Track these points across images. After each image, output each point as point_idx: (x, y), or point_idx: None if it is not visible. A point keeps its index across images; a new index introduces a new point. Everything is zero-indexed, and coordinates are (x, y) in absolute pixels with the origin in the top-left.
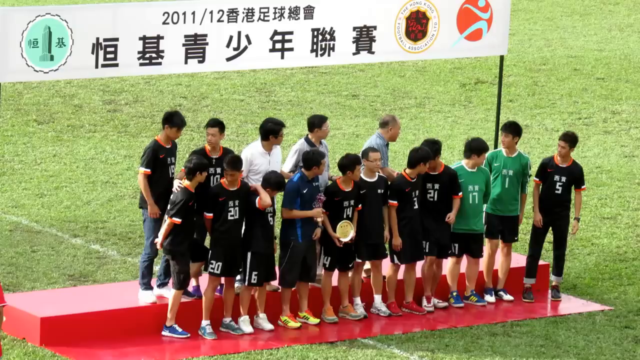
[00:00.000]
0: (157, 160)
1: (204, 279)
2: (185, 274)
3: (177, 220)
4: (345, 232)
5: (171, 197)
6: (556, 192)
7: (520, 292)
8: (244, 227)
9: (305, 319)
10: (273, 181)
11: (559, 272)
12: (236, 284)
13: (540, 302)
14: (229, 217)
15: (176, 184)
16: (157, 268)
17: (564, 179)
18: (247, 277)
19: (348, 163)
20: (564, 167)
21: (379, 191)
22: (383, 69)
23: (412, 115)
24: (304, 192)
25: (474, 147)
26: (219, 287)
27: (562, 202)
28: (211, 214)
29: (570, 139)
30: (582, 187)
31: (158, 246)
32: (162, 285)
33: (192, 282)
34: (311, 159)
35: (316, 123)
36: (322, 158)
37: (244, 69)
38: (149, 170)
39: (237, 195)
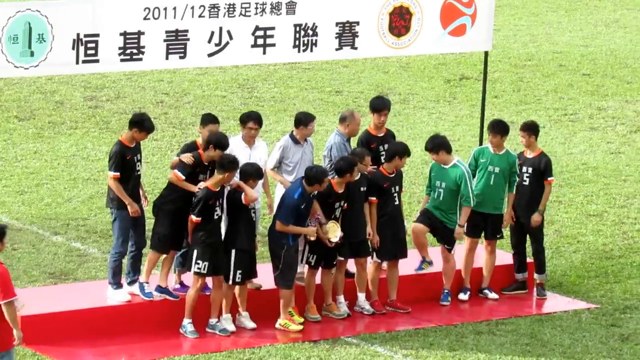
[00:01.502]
0: (125, 162)
1: (187, 277)
2: (160, 236)
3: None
4: (334, 232)
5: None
6: (524, 183)
7: (497, 291)
8: (226, 224)
9: (290, 315)
10: (252, 171)
11: (540, 269)
12: None
13: (525, 300)
14: (215, 217)
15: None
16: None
17: (530, 170)
18: (231, 276)
19: (347, 167)
20: (530, 158)
21: (362, 189)
22: (367, 64)
23: (396, 111)
24: (303, 207)
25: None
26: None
27: (531, 195)
28: (200, 218)
29: (526, 127)
30: (549, 178)
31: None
32: (132, 282)
33: (173, 281)
34: (314, 177)
35: (302, 120)
36: (325, 177)
37: (226, 65)
38: (118, 174)
39: (221, 194)
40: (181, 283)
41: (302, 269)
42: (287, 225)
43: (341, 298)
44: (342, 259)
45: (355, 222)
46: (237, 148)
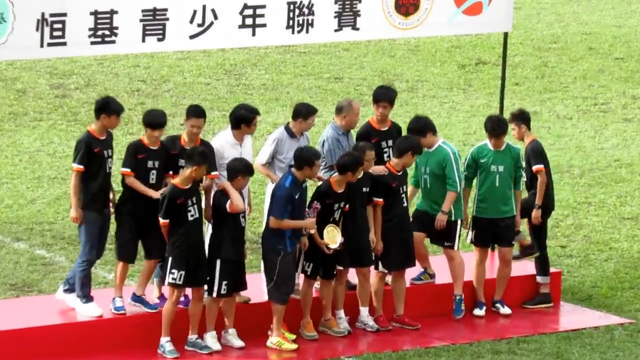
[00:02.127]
0: (92, 155)
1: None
2: (120, 242)
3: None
4: (333, 238)
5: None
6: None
7: (518, 305)
8: (211, 231)
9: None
10: (241, 167)
11: (541, 272)
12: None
13: (550, 314)
14: (189, 218)
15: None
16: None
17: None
18: (215, 288)
19: (351, 163)
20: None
21: (364, 189)
22: (370, 48)
23: (403, 100)
24: (296, 197)
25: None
26: (182, 299)
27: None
28: (167, 220)
29: (515, 117)
30: (536, 166)
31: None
32: (69, 290)
33: (155, 293)
34: (303, 158)
35: (303, 113)
36: (316, 159)
37: (210, 48)
38: (82, 167)
39: (195, 191)
40: (161, 296)
41: (297, 279)
42: (281, 219)
43: (341, 313)
44: (342, 268)
45: (356, 227)
46: (227, 145)
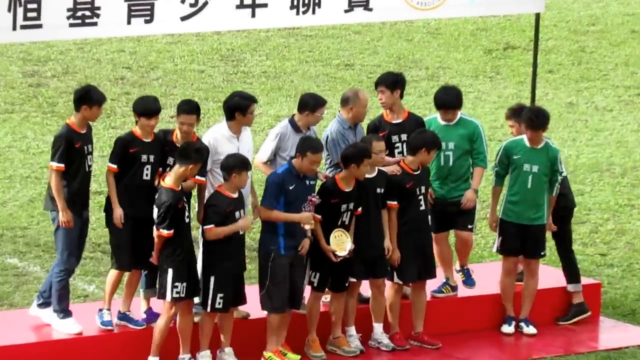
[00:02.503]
0: (72, 151)
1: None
2: (117, 250)
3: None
4: (342, 244)
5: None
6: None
7: (551, 321)
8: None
9: (281, 353)
10: (235, 162)
11: (570, 279)
12: (193, 310)
13: (586, 331)
14: (185, 221)
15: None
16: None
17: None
18: (209, 301)
19: (354, 154)
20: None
21: (378, 190)
22: (385, 31)
23: (423, 90)
24: (290, 188)
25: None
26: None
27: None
28: (172, 231)
29: (514, 113)
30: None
31: (155, 262)
32: (44, 305)
33: (142, 307)
34: (298, 145)
35: (310, 105)
36: (320, 148)
37: (204, 31)
38: (62, 165)
39: (186, 192)
40: (149, 310)
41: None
42: (270, 209)
43: (352, 330)
44: (355, 280)
45: (370, 233)
46: (222, 138)
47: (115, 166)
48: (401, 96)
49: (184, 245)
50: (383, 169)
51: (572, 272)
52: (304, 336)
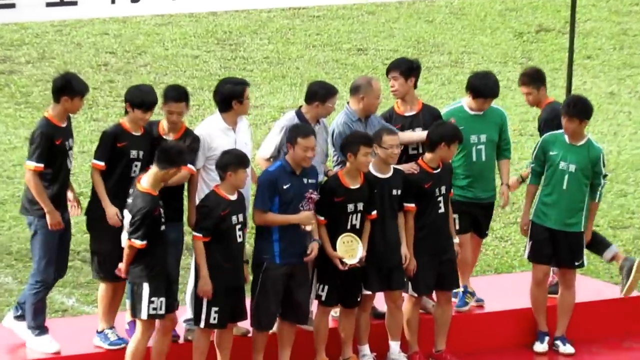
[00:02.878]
0: (53, 149)
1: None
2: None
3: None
4: (351, 251)
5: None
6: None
7: (589, 340)
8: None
9: None
10: (229, 159)
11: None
12: (185, 325)
13: (635, 349)
14: (161, 229)
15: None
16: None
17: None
18: (203, 316)
19: (349, 142)
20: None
21: (395, 192)
22: (402, 11)
23: (445, 77)
24: (285, 187)
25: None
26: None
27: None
28: (146, 242)
29: (530, 78)
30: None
31: (123, 276)
32: (21, 317)
33: (127, 317)
34: (291, 132)
35: (320, 95)
36: (310, 132)
37: (198, 11)
38: (41, 165)
39: (161, 196)
40: (132, 323)
41: (311, 306)
42: (264, 212)
43: (365, 349)
44: (368, 292)
45: (385, 239)
46: (217, 131)
47: (102, 163)
48: (415, 86)
49: (159, 255)
50: (399, 167)
51: (599, 243)
52: (311, 356)
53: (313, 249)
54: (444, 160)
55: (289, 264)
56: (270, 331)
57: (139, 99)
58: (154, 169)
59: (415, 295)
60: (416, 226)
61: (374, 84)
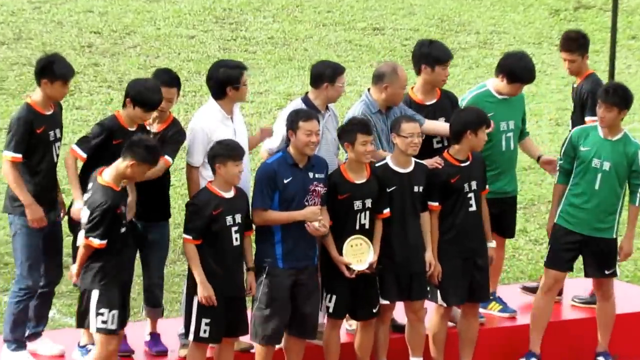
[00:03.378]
0: (34, 138)
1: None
2: None
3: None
4: (360, 255)
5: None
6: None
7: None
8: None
9: None
10: (217, 151)
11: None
12: (180, 340)
13: None
14: (121, 231)
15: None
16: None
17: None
18: (192, 328)
19: (346, 130)
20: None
21: (416, 188)
22: None
23: (473, 60)
24: (286, 182)
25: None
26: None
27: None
28: (105, 241)
29: (571, 43)
30: (588, 118)
31: (74, 280)
32: (33, 336)
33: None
34: (291, 117)
35: (327, 75)
36: (313, 115)
37: None
38: (19, 155)
39: (126, 194)
40: (153, 334)
41: (322, 318)
42: (264, 210)
43: None
44: (387, 302)
45: (406, 242)
46: (216, 123)
47: (85, 155)
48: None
49: (116, 262)
50: (422, 161)
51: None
52: None
53: (250, 284)
54: (474, 150)
55: (294, 269)
56: (278, 346)
57: (142, 96)
58: (118, 161)
59: (445, 305)
60: (442, 228)
61: (400, 72)
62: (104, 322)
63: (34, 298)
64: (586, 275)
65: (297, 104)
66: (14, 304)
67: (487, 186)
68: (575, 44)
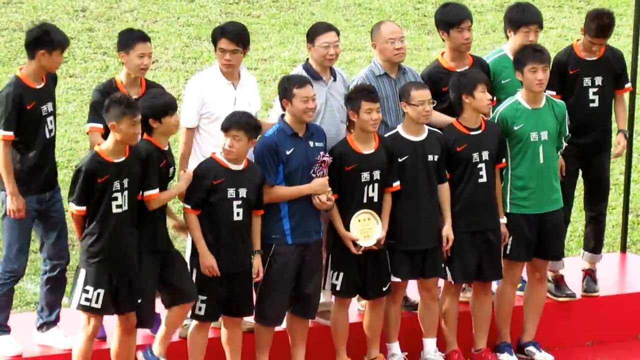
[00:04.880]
0: (24, 114)
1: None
2: None
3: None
4: (368, 231)
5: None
6: (591, 104)
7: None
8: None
9: None
10: (236, 122)
11: (596, 247)
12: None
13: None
14: (114, 210)
15: None
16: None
17: (598, 79)
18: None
19: (350, 97)
20: (593, 60)
21: (431, 157)
22: None
23: (489, 24)
24: (289, 153)
25: None
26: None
27: (600, 122)
28: (84, 208)
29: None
30: (626, 85)
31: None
32: (46, 325)
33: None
34: (283, 84)
35: (308, 35)
36: (306, 80)
37: None
38: (10, 133)
39: (127, 167)
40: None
41: (329, 297)
42: (270, 186)
43: (395, 347)
44: (399, 280)
45: (419, 216)
46: (214, 87)
47: (101, 126)
48: None
49: (110, 239)
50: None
51: (599, 239)
52: (332, 356)
53: (258, 268)
54: (479, 111)
55: (302, 244)
56: (281, 327)
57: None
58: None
59: (453, 282)
60: (451, 197)
61: (383, 27)
62: (87, 299)
63: (45, 284)
64: (542, 257)
65: (298, 70)
66: None
67: (503, 159)
68: (610, 30)
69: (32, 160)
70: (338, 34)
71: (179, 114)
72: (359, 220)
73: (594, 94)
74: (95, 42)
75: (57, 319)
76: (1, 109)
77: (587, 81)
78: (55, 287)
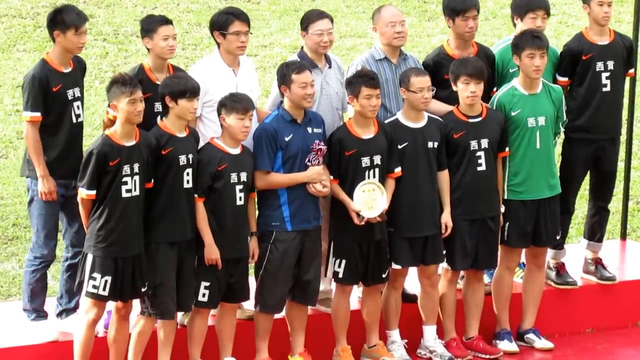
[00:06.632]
0: (50, 96)
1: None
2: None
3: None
4: (372, 202)
5: None
6: (603, 89)
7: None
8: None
9: None
10: (233, 102)
11: (601, 237)
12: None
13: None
14: (124, 194)
15: None
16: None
17: (610, 63)
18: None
19: (350, 82)
20: (605, 44)
21: (431, 144)
22: None
23: (489, 11)
24: (287, 139)
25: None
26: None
27: (612, 108)
28: (92, 193)
29: None
30: (630, 71)
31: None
32: (65, 312)
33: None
34: (282, 70)
35: (301, 23)
36: (305, 66)
37: None
38: (38, 114)
39: (137, 152)
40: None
41: (329, 285)
42: (266, 172)
43: (395, 334)
44: (399, 267)
45: (419, 203)
46: (215, 73)
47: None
48: None
49: (116, 227)
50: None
51: (602, 227)
52: (330, 345)
53: (253, 250)
54: (464, 102)
55: (302, 231)
56: (280, 315)
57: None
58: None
59: (450, 268)
60: (450, 184)
61: (384, 10)
62: (94, 287)
63: (65, 271)
64: (535, 244)
65: (294, 59)
66: (29, 273)
67: (507, 148)
68: None
69: (60, 145)
70: (332, 21)
71: (197, 102)
72: (364, 191)
73: (606, 78)
74: (95, 29)
75: (77, 306)
76: (27, 90)
77: (599, 65)
78: (76, 274)
